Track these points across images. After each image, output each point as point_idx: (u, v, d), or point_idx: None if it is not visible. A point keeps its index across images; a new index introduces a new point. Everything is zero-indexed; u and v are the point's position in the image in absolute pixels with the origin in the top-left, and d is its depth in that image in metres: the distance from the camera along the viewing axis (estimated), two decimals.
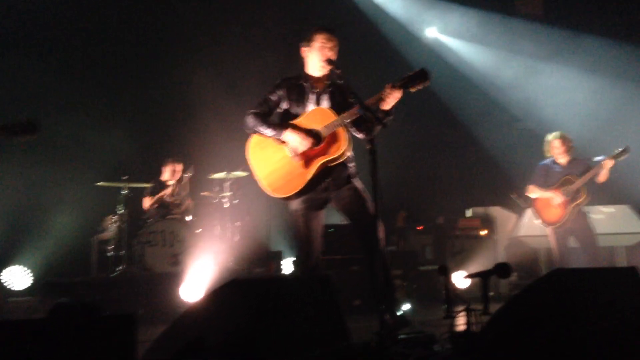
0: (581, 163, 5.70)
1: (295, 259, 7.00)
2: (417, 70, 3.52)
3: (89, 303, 2.52)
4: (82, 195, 6.98)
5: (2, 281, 6.51)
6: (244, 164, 6.39)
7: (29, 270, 6.65)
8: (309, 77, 3.80)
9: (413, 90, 3.53)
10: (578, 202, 5.55)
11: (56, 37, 7.48)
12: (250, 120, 3.71)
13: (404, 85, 3.51)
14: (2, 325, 2.24)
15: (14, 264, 6.64)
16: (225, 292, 2.51)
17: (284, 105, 3.76)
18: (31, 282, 6.60)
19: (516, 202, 7.01)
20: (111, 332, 2.24)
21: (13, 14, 7.13)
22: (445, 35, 9.14)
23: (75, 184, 7.03)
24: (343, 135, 3.57)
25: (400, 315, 3.56)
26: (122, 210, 6.47)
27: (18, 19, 7.16)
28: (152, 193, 6.88)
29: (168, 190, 6.76)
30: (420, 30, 9.04)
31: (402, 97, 3.54)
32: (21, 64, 6.98)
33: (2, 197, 6.73)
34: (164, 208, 6.81)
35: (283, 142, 3.64)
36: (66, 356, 2.14)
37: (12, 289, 6.50)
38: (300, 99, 3.74)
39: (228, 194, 6.88)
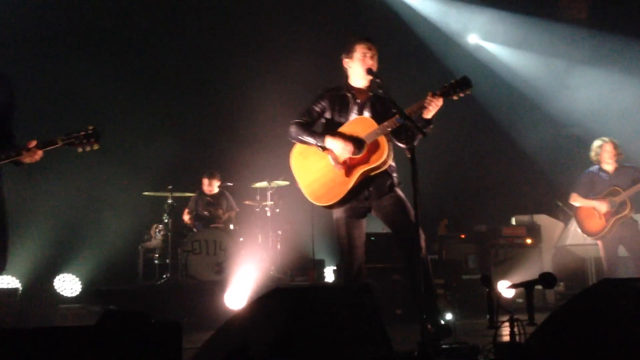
0: (629, 172, 5.53)
1: (336, 267, 7.01)
2: (460, 77, 3.51)
3: (136, 310, 2.60)
4: (129, 204, 7.16)
5: (54, 288, 6.71)
6: (285, 173, 6.48)
7: (78, 278, 6.84)
8: (351, 88, 3.83)
9: (455, 98, 3.52)
10: (621, 215, 5.39)
11: (110, 46, 7.66)
12: (294, 130, 3.77)
13: (446, 93, 3.51)
14: (54, 331, 2.32)
15: (65, 272, 6.84)
16: (268, 300, 2.55)
17: (327, 115, 3.81)
18: (81, 289, 6.79)
19: (562, 209, 6.86)
20: (158, 339, 2.30)
21: (68, 22, 7.34)
22: (487, 41, 9.04)
23: (122, 193, 7.22)
24: (384, 144, 3.58)
25: (443, 324, 3.53)
26: (167, 219, 6.62)
27: (73, 27, 7.37)
28: (196, 203, 7.06)
29: (216, 207, 6.93)
30: (461, 37, 8.97)
31: (443, 104, 3.54)
32: (78, 73, 7.18)
33: (54, 208, 6.96)
34: (205, 218, 6.94)
35: (325, 149, 3.68)
36: None
37: (63, 295, 6.70)
38: (343, 109, 3.78)
39: (270, 202, 6.95)
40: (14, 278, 6.26)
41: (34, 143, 3.19)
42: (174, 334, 2.29)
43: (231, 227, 6.97)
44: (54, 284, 6.73)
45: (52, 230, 6.90)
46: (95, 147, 3.34)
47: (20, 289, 6.08)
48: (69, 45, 7.43)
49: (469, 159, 8.71)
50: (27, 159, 3.19)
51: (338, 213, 3.71)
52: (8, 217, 3.30)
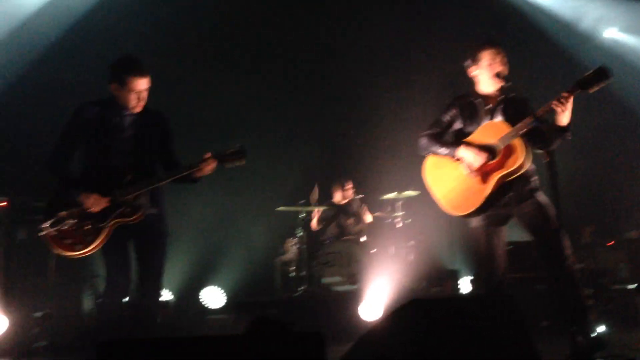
0: None
1: (473, 277, 6.80)
2: (595, 68, 3.30)
3: (281, 320, 2.70)
4: (265, 219, 7.44)
5: (200, 300, 7.15)
6: (414, 183, 6.41)
7: (223, 290, 7.22)
8: (480, 95, 3.74)
9: (591, 90, 3.30)
10: None
11: (243, 59, 7.96)
12: (424, 142, 3.75)
13: (582, 83, 3.29)
14: (205, 340, 2.48)
15: (210, 285, 7.26)
16: (406, 311, 2.53)
17: (457, 125, 3.74)
18: (225, 301, 7.16)
19: None
20: (302, 349, 2.37)
21: (203, 35, 7.72)
22: (627, 34, 8.37)
23: (258, 208, 7.52)
24: (520, 148, 3.44)
25: (595, 337, 3.30)
26: (301, 233, 6.81)
27: (206, 41, 7.74)
28: (328, 216, 7.20)
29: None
30: (595, 31, 8.40)
31: (582, 99, 3.32)
32: (211, 87, 7.61)
33: (199, 226, 7.41)
34: (339, 229, 7.06)
35: (458, 159, 3.62)
36: None
37: (209, 307, 7.11)
38: (473, 116, 3.69)
39: (400, 213, 6.92)
40: (166, 291, 6.74)
41: (209, 154, 3.51)
42: (318, 345, 2.35)
43: (363, 239, 7.02)
44: (201, 296, 7.16)
45: (198, 247, 7.35)
46: (242, 162, 3.58)
47: (172, 300, 6.55)
48: (202, 59, 7.82)
49: (614, 160, 8.08)
50: (206, 169, 3.51)
51: (476, 222, 3.62)
52: (167, 238, 3.65)
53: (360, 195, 7.31)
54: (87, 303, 5.98)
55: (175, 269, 6.93)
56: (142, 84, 3.50)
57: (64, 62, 7.16)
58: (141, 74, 3.49)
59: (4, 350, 5.12)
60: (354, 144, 7.86)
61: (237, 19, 7.77)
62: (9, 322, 5.26)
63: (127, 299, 3.54)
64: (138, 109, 3.56)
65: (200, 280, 7.27)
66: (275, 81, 7.90)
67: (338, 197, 7.23)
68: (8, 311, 5.30)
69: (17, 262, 5.57)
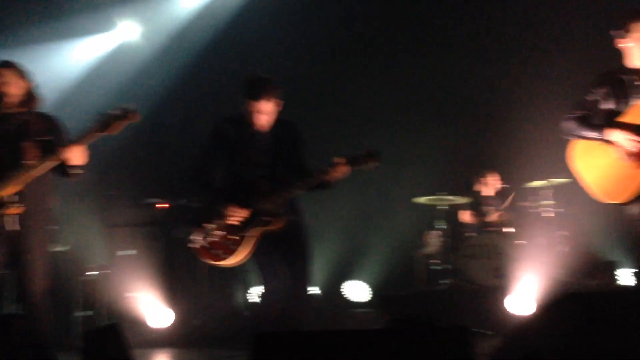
0: None
1: (636, 270, 6.25)
2: None
3: (423, 315, 2.67)
4: (403, 212, 7.39)
5: (344, 294, 7.29)
6: (564, 170, 6.01)
7: (367, 284, 7.30)
8: (630, 70, 3.41)
9: None
10: None
11: (378, 52, 7.99)
12: (569, 125, 3.50)
13: None
14: (351, 333, 2.54)
15: (353, 279, 7.37)
16: (562, 305, 2.40)
17: (605, 104, 3.44)
18: (369, 295, 7.23)
19: None
20: (447, 343, 2.33)
21: (335, 30, 7.86)
22: None
23: (396, 201, 7.47)
24: None
25: None
26: (442, 225, 6.68)
27: (339, 35, 7.87)
28: (471, 207, 6.98)
29: (492, 210, 6.81)
30: None
31: None
32: (354, 82, 7.72)
33: (339, 221, 7.55)
34: (483, 221, 6.84)
35: (609, 143, 3.34)
36: None
37: (352, 301, 7.23)
38: (622, 94, 3.38)
39: (550, 202, 6.55)
40: (312, 285, 6.97)
41: (341, 159, 3.54)
42: (464, 339, 2.30)
43: (509, 229, 6.74)
44: (344, 289, 7.30)
45: (340, 242, 7.49)
46: (376, 165, 3.59)
47: (318, 295, 6.75)
48: (337, 53, 7.92)
49: None
50: (339, 175, 3.54)
51: (635, 209, 3.32)
52: (309, 241, 3.76)
53: (505, 185, 7.02)
54: (240, 297, 6.35)
55: (318, 263, 7.10)
56: (262, 107, 3.58)
57: (213, 70, 7.68)
58: (259, 97, 3.56)
59: (171, 341, 5.61)
60: (497, 130, 7.49)
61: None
62: (174, 314, 5.75)
63: (276, 298, 3.66)
64: (263, 129, 3.67)
65: (344, 274, 7.40)
66: (412, 68, 7.73)
67: (481, 187, 7.00)
68: (172, 304, 5.80)
69: (176, 258, 6.06)
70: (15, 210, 3.40)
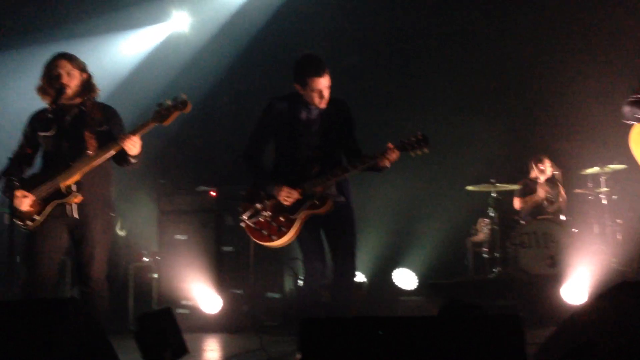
0: None
1: None
2: None
3: (473, 303, 2.65)
4: (453, 200, 7.29)
5: (393, 282, 7.27)
6: (618, 157, 5.81)
7: (414, 272, 7.26)
8: None
9: None
10: None
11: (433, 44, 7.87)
12: (629, 109, 3.39)
13: None
14: (400, 320, 2.53)
15: (402, 267, 7.34)
16: (617, 294, 2.33)
17: None
18: (417, 283, 7.19)
19: None
20: (498, 332, 2.31)
21: (393, 27, 7.81)
22: None
23: (447, 189, 7.36)
24: None
25: None
26: (493, 213, 6.57)
27: (393, 31, 7.81)
28: (523, 194, 6.84)
29: (541, 194, 6.65)
30: None
31: None
32: (401, 73, 7.68)
33: (388, 209, 7.51)
34: (535, 208, 6.69)
35: None
36: (455, 352, 2.29)
37: (402, 288, 7.20)
38: None
39: (605, 189, 6.34)
40: (359, 273, 6.98)
41: (392, 145, 3.52)
42: (515, 327, 2.27)
43: (561, 217, 6.57)
44: (393, 277, 7.28)
45: (389, 229, 7.45)
46: (426, 151, 3.54)
47: (365, 283, 6.76)
48: (388, 38, 7.83)
49: None
50: (390, 160, 3.52)
51: None
52: (356, 224, 3.74)
53: (557, 172, 6.84)
54: (288, 284, 6.42)
55: (367, 251, 7.11)
56: (322, 83, 3.57)
57: (262, 59, 7.73)
58: (320, 73, 3.55)
59: (221, 326, 5.72)
60: (550, 115, 7.27)
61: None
62: (223, 301, 5.86)
63: (316, 280, 3.68)
64: (322, 106, 3.65)
65: (392, 262, 7.36)
66: (465, 54, 7.58)
67: (534, 173, 6.84)
68: (221, 291, 5.91)
69: (226, 246, 6.17)
70: (75, 199, 3.54)
